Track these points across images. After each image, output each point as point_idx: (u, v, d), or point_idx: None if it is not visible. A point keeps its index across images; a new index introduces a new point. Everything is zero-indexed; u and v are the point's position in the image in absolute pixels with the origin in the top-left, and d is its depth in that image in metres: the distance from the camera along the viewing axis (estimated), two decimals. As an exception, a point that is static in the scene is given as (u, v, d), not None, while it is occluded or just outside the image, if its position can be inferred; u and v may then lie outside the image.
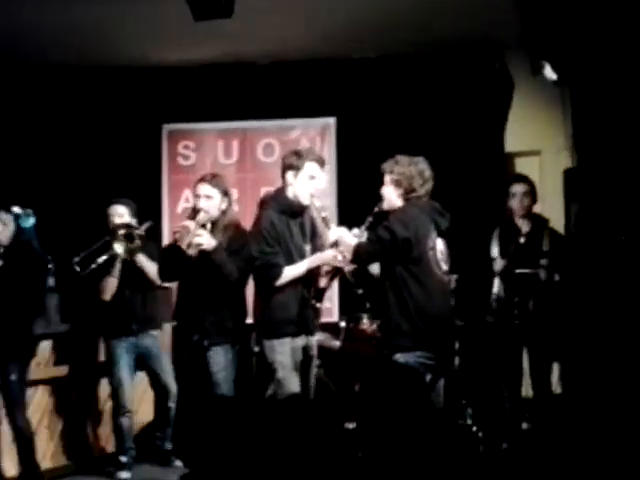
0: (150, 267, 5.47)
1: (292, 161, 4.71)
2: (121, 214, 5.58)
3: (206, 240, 4.75)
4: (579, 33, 5.88)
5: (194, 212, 4.92)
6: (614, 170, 5.84)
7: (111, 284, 5.51)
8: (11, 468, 5.29)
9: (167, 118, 6.99)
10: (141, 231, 5.50)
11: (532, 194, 5.66)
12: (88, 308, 5.71)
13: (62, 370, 5.67)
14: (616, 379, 4.98)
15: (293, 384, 4.51)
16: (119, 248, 5.40)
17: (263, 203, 4.89)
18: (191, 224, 4.81)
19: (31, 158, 7.09)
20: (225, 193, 4.95)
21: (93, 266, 5.40)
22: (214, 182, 4.93)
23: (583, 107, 6.16)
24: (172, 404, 5.73)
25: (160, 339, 5.78)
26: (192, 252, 4.78)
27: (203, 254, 4.77)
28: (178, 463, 5.60)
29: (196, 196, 4.94)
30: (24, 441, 5.13)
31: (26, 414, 5.12)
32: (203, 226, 4.84)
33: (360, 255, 4.42)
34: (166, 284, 5.43)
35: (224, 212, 4.93)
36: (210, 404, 2.76)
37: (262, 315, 4.66)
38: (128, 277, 5.53)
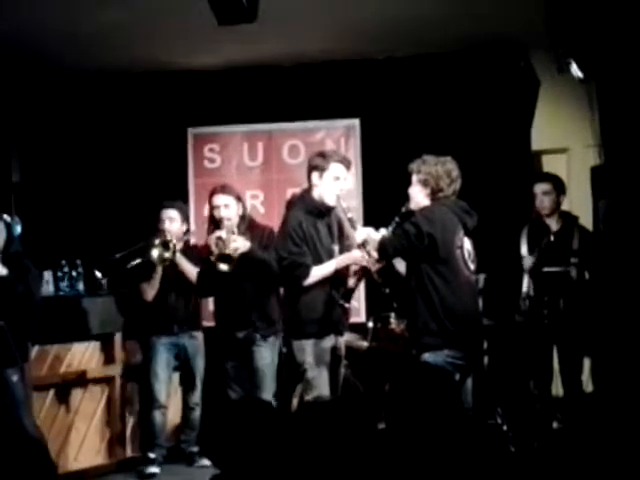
0: (191, 270, 5.58)
1: (317, 162, 4.73)
2: (172, 217, 5.68)
3: (242, 243, 5.08)
4: (604, 30, 5.84)
5: (215, 223, 5.25)
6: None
7: (152, 286, 5.62)
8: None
9: (192, 122, 7.01)
10: (180, 243, 5.61)
11: (557, 192, 5.61)
12: (131, 310, 5.80)
13: (101, 371, 5.76)
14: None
15: (323, 385, 4.52)
16: (154, 253, 5.51)
17: (290, 204, 4.92)
18: (222, 233, 5.11)
19: (57, 163, 7.16)
20: (239, 199, 5.34)
21: (128, 266, 5.56)
22: (227, 190, 5.32)
23: (610, 104, 6.11)
24: (195, 407, 5.77)
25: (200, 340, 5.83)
26: (234, 255, 5.06)
27: (240, 260, 5.06)
28: (205, 462, 5.62)
29: (215, 207, 5.29)
30: (34, 443, 5.14)
31: (33, 416, 5.09)
32: (232, 232, 5.14)
33: (386, 249, 4.41)
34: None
35: (242, 217, 5.31)
36: (240, 404, 2.78)
37: (290, 315, 4.67)
38: (171, 279, 5.63)
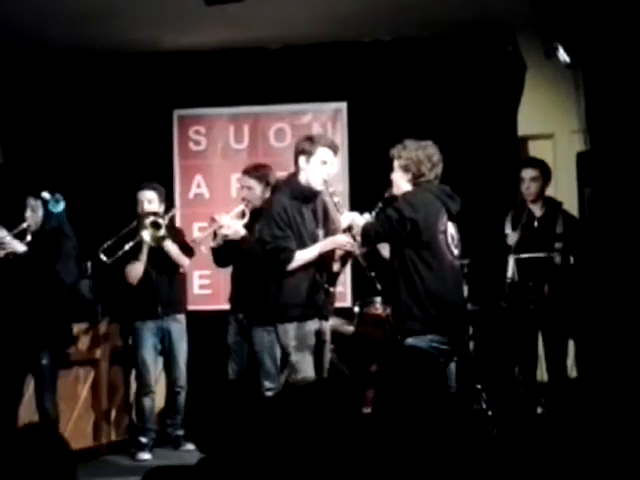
0: (175, 251, 5.58)
1: (305, 146, 4.71)
2: (150, 199, 5.68)
3: (234, 230, 5.17)
4: (592, 14, 5.83)
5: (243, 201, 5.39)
6: (628, 152, 5.80)
7: (137, 268, 5.63)
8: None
9: (178, 103, 6.97)
10: (167, 219, 5.59)
11: (543, 178, 5.62)
12: (116, 292, 5.78)
13: (91, 353, 5.77)
14: (632, 363, 4.96)
15: (307, 368, 4.52)
16: (146, 236, 5.51)
17: (275, 188, 4.91)
18: (223, 217, 5.24)
19: (41, 145, 7.10)
20: (267, 183, 5.33)
21: (120, 254, 5.54)
22: (254, 174, 5.37)
23: (596, 89, 6.11)
24: (181, 390, 5.77)
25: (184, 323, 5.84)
26: (219, 242, 5.20)
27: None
28: (190, 446, 5.63)
29: (240, 187, 5.49)
30: (49, 424, 5.15)
31: (55, 398, 5.11)
32: (243, 215, 5.25)
33: (368, 235, 4.42)
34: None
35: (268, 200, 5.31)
36: (226, 388, 2.77)
37: (274, 299, 4.67)
38: (154, 261, 5.65)
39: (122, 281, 5.69)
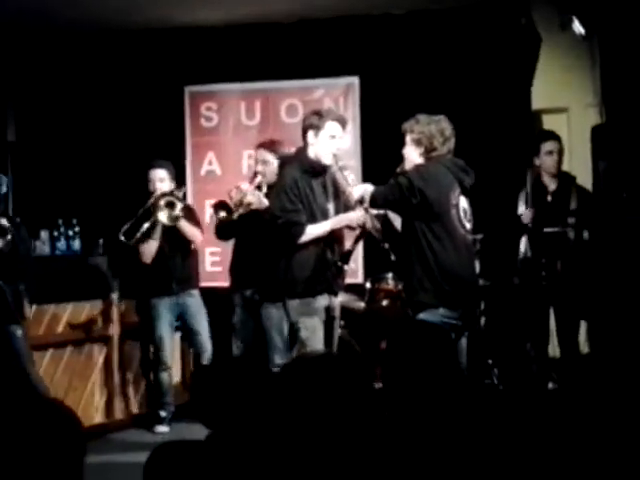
0: (189, 228, 5.61)
1: (313, 121, 4.67)
2: (162, 178, 5.68)
3: (257, 200, 5.16)
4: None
5: (254, 175, 5.37)
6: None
7: (152, 247, 5.65)
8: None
9: (189, 80, 6.94)
10: (181, 197, 5.59)
11: (562, 151, 5.57)
12: (131, 269, 5.79)
13: (105, 330, 5.78)
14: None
15: (317, 344, 4.51)
16: (162, 216, 5.54)
17: (284, 163, 4.88)
18: (244, 185, 5.24)
19: (53, 123, 7.09)
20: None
21: (138, 235, 5.56)
22: (271, 148, 5.36)
23: (612, 62, 6.03)
24: (207, 363, 5.79)
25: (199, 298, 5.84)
26: (241, 211, 5.18)
27: (252, 216, 5.14)
28: None
29: (255, 161, 5.45)
30: (42, 398, 5.16)
31: (35, 369, 5.16)
32: (259, 188, 5.24)
33: (376, 199, 4.38)
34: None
35: None
36: (233, 364, 2.76)
37: (284, 274, 4.65)
38: (168, 239, 5.65)
39: (136, 259, 5.69)
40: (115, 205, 6.56)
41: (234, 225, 5.35)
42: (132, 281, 5.87)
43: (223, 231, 5.52)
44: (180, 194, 5.71)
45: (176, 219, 5.54)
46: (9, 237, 4.91)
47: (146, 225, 5.57)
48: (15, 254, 4.94)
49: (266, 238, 4.97)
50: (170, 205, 5.54)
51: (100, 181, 6.90)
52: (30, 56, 7.00)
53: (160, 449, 2.39)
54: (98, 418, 5.74)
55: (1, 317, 4.99)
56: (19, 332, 5.02)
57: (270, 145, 5.41)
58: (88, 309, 5.74)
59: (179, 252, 5.72)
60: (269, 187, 5.22)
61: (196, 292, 5.82)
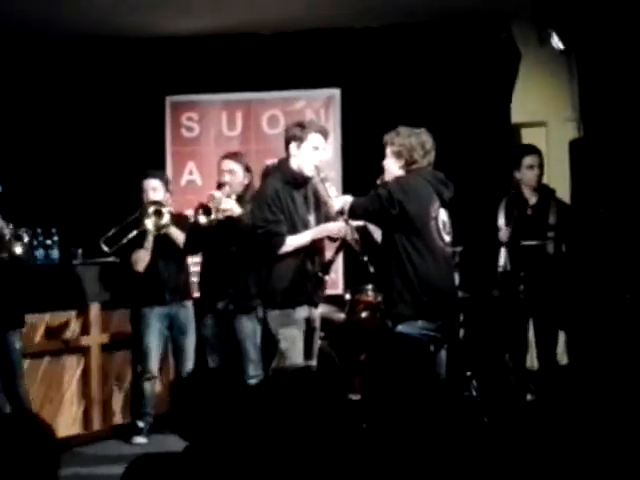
0: (179, 236, 5.61)
1: (295, 132, 4.68)
2: (155, 187, 5.69)
3: (233, 206, 5.16)
4: (586, 2, 5.80)
5: (219, 187, 5.34)
6: (620, 141, 5.79)
7: (143, 256, 5.62)
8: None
9: (170, 89, 6.93)
10: (169, 207, 5.59)
11: (542, 165, 5.61)
12: (123, 279, 5.78)
13: (80, 340, 5.73)
14: (622, 351, 4.96)
15: (296, 355, 4.51)
16: (149, 224, 5.52)
17: (266, 174, 4.90)
18: (217, 193, 5.23)
19: (32, 131, 7.05)
20: (247, 169, 5.43)
21: (123, 242, 5.56)
22: (236, 158, 5.41)
23: (590, 77, 6.10)
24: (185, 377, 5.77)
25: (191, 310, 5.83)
26: (220, 216, 5.17)
27: (225, 225, 5.13)
28: None
29: (221, 172, 5.41)
30: (26, 412, 5.13)
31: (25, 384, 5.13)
32: (228, 197, 5.25)
33: (355, 210, 4.40)
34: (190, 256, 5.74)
35: (247, 186, 5.39)
36: (209, 376, 2.76)
37: (265, 285, 4.65)
38: (161, 248, 5.64)
39: (129, 268, 5.67)
40: (95, 214, 6.54)
41: (204, 235, 5.29)
42: (124, 290, 5.83)
43: (191, 244, 5.45)
44: (170, 203, 5.71)
45: (162, 228, 5.53)
46: (26, 240, 4.91)
47: (132, 234, 5.55)
48: (19, 262, 4.92)
49: (240, 247, 4.98)
50: (157, 214, 5.54)
51: (80, 190, 6.87)
52: (9, 63, 6.96)
53: (136, 462, 2.38)
54: (76, 429, 5.69)
55: (6, 326, 4.95)
56: (18, 344, 4.99)
57: (234, 156, 5.46)
58: (66, 319, 5.70)
59: (173, 262, 5.70)
60: (238, 197, 5.26)
61: (189, 303, 5.80)
